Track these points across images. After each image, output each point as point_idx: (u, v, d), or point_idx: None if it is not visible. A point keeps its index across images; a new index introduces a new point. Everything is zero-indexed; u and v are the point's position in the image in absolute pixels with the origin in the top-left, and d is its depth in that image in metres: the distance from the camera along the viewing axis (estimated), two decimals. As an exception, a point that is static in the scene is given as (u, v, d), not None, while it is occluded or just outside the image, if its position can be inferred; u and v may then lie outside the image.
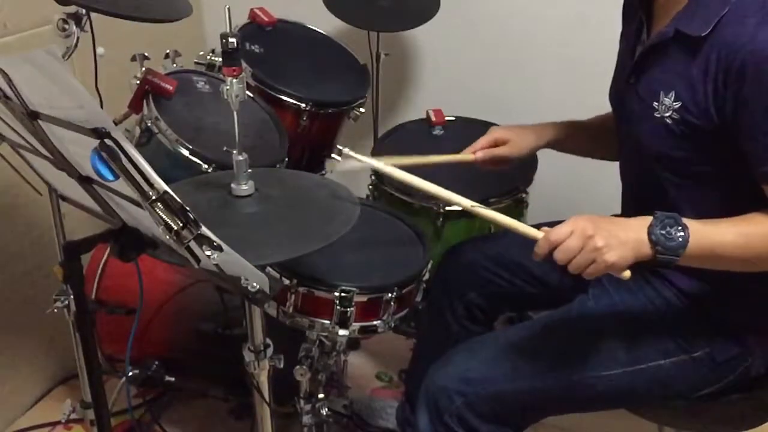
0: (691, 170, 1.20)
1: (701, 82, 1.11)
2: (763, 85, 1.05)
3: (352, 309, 1.40)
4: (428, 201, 1.75)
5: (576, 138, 1.52)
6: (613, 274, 1.11)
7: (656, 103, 1.18)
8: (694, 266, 1.13)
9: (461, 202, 1.24)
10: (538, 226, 1.17)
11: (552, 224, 1.13)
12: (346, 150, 1.29)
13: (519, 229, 1.17)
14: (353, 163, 1.29)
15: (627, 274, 1.12)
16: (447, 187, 1.23)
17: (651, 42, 1.21)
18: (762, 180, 1.11)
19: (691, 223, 1.10)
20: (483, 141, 1.51)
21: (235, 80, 1.17)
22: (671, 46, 1.17)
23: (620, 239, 1.08)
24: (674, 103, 1.15)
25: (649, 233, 1.08)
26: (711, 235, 1.10)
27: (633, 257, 1.09)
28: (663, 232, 1.08)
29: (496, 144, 1.50)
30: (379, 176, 1.85)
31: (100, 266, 1.76)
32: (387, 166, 1.31)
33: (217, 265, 0.89)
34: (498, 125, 2.02)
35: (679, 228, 1.09)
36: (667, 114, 1.16)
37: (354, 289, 1.39)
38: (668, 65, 1.17)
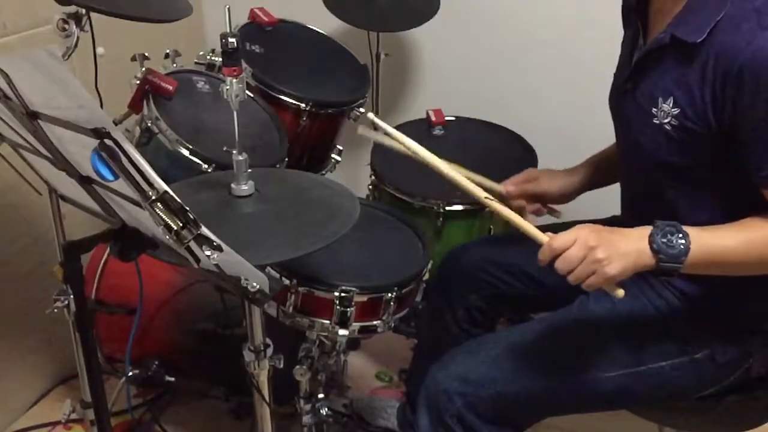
0: (690, 175, 1.19)
1: (699, 88, 1.11)
2: (760, 90, 1.04)
3: (352, 309, 1.40)
4: (428, 201, 1.75)
5: (598, 175, 1.52)
6: (607, 291, 1.11)
7: (655, 109, 1.17)
8: (697, 273, 1.13)
9: (475, 192, 1.22)
10: (543, 230, 1.16)
11: (557, 227, 1.13)
12: (378, 121, 1.28)
13: (525, 229, 1.16)
14: (382, 137, 1.27)
15: (621, 293, 1.12)
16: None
17: (647, 48, 1.21)
18: (761, 184, 1.11)
19: (692, 231, 1.10)
20: (514, 177, 1.52)
21: (235, 80, 1.17)
22: (668, 52, 1.16)
23: (621, 252, 1.08)
24: (673, 110, 1.15)
25: (651, 242, 1.08)
26: (712, 242, 1.10)
27: (633, 269, 1.09)
28: (664, 240, 1.08)
29: (527, 181, 1.51)
30: (379, 176, 1.85)
31: (100, 266, 1.76)
32: (413, 149, 1.30)
33: (217, 265, 0.89)
34: (500, 126, 2.04)
35: (680, 236, 1.09)
36: (666, 120, 1.16)
37: (354, 289, 1.39)
38: (666, 71, 1.17)
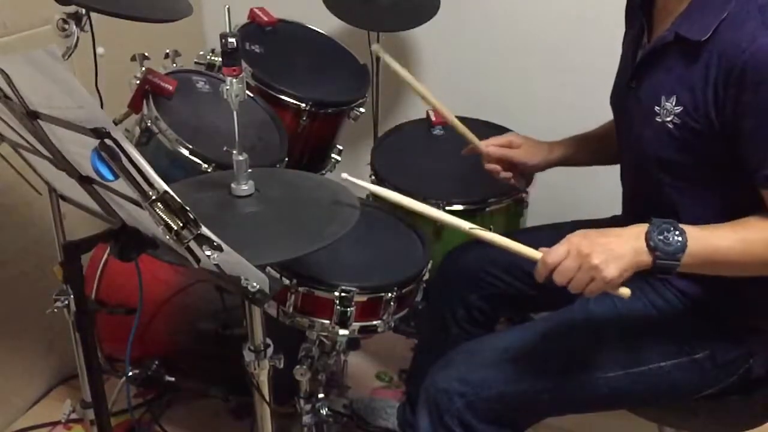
0: (692, 175, 1.19)
1: (701, 87, 1.11)
2: (762, 89, 1.04)
3: (352, 309, 1.40)
4: (428, 201, 1.75)
5: (583, 153, 1.55)
6: (611, 293, 1.11)
7: (657, 108, 1.17)
8: (695, 272, 1.13)
9: (460, 225, 1.20)
10: (537, 243, 1.15)
11: (555, 228, 1.13)
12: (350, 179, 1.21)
13: (517, 250, 1.15)
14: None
15: (626, 292, 1.11)
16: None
17: (651, 46, 1.21)
18: (761, 185, 1.10)
19: (689, 229, 1.09)
20: (497, 139, 1.55)
21: (235, 80, 1.17)
22: (671, 51, 1.16)
23: (616, 253, 1.07)
24: (675, 108, 1.15)
25: (648, 239, 1.08)
26: (709, 240, 1.10)
27: (632, 268, 1.08)
28: (661, 237, 1.08)
29: (509, 146, 1.52)
30: (379, 176, 1.85)
31: (100, 266, 1.76)
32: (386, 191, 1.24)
33: (217, 265, 0.89)
34: (500, 126, 2.04)
35: (677, 233, 1.08)
36: (669, 119, 1.16)
37: (354, 289, 1.39)
38: (669, 70, 1.17)
